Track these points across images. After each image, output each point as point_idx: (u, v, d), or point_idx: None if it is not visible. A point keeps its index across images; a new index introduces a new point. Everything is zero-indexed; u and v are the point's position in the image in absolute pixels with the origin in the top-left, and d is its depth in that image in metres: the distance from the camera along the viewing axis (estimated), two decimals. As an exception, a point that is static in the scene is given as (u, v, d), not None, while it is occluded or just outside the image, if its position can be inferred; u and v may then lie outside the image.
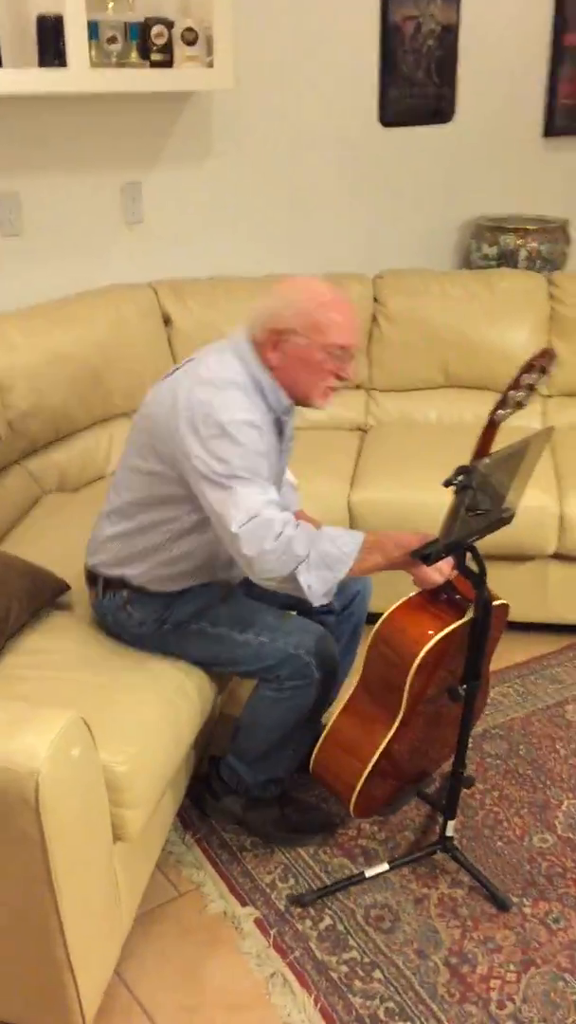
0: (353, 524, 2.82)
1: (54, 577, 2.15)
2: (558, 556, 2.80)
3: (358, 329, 1.89)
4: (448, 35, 3.69)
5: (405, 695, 1.84)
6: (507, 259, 3.75)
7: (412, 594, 1.94)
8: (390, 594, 2.73)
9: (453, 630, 1.85)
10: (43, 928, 1.55)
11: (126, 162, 3.13)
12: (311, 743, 2.12)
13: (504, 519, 1.82)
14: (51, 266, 3.05)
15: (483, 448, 1.84)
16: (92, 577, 2.08)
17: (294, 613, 2.08)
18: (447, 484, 1.67)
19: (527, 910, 2.01)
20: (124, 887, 1.80)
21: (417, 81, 3.69)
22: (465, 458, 2.89)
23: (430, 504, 2.74)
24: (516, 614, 2.85)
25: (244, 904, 2.04)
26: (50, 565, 2.19)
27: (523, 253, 3.73)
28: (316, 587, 1.79)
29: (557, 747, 2.49)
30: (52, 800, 1.45)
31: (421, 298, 3.31)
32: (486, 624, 1.83)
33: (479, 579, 1.79)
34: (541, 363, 1.75)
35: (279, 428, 1.97)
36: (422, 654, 1.81)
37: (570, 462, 2.95)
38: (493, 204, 4.07)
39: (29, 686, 1.88)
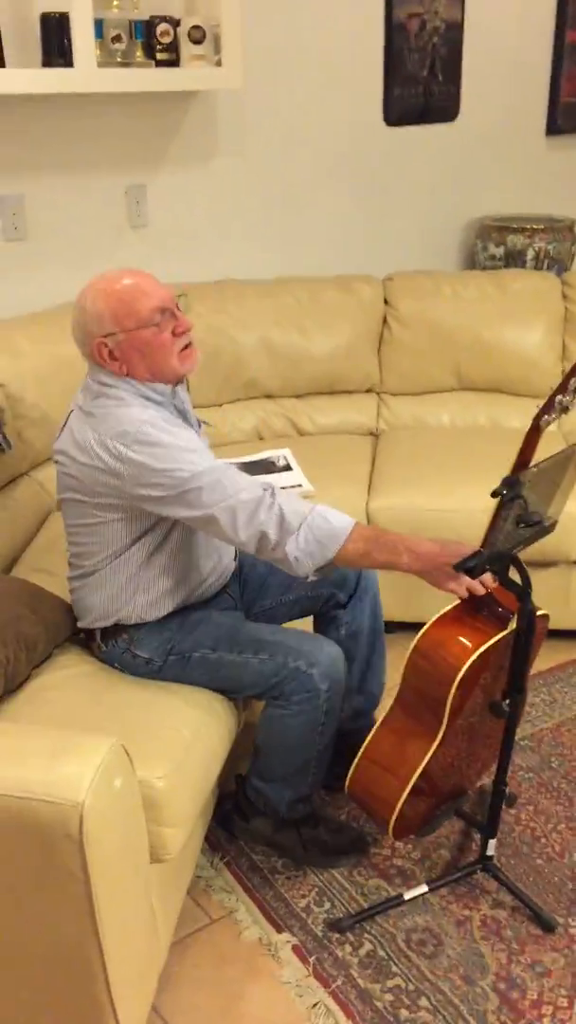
0: (373, 532, 2.75)
1: (70, 607, 2.08)
2: (583, 562, 2.74)
3: (158, 284, 1.83)
4: (452, 33, 3.64)
5: (447, 711, 1.78)
6: (514, 259, 3.70)
7: (450, 606, 1.87)
8: (406, 602, 2.67)
9: (495, 643, 1.78)
10: (85, 969, 1.47)
11: (130, 164, 3.06)
12: (338, 759, 2.06)
13: (546, 529, 1.75)
14: (56, 270, 2.97)
15: (527, 454, 1.78)
16: (89, 633, 2.04)
17: (298, 629, 2.02)
18: (495, 495, 1.60)
19: (574, 931, 1.94)
20: (160, 915, 1.72)
21: (421, 79, 3.63)
22: (482, 462, 2.85)
23: (450, 510, 2.70)
24: (555, 622, 2.81)
25: (280, 930, 1.96)
26: (66, 594, 2.12)
27: (530, 253, 3.68)
28: (304, 560, 1.76)
29: (589, 758, 2.43)
30: (96, 833, 1.38)
31: (432, 300, 3.25)
32: (530, 637, 1.76)
33: (524, 591, 1.73)
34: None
35: (180, 415, 1.92)
36: (464, 669, 1.74)
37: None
38: (497, 203, 4.03)
39: (56, 709, 1.80)
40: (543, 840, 2.17)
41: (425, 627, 1.83)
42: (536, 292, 3.26)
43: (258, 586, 2.17)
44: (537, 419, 1.76)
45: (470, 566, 1.67)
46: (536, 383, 3.26)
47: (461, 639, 1.79)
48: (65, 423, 1.90)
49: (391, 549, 1.78)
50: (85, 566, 1.96)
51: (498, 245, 3.71)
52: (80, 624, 2.04)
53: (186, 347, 1.87)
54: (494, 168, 3.99)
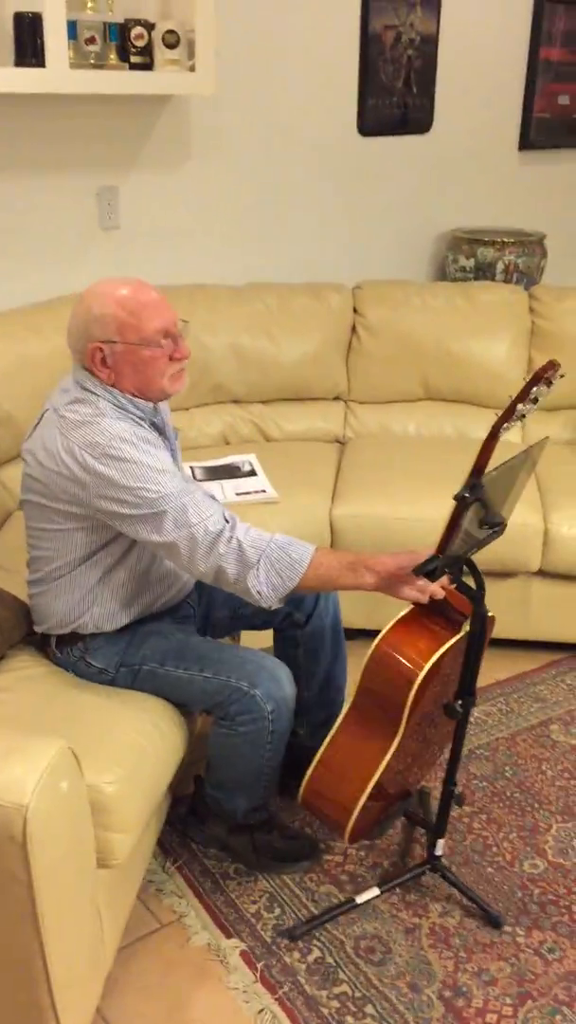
0: (335, 539, 2.76)
1: (26, 609, 2.07)
2: (542, 573, 2.77)
3: (167, 306, 1.83)
4: (427, 45, 3.66)
5: (405, 715, 1.79)
6: (484, 271, 3.73)
7: (405, 611, 1.88)
8: (368, 610, 2.67)
9: (451, 647, 1.80)
10: (26, 973, 1.47)
11: (103, 166, 3.05)
12: (298, 772, 2.06)
13: (498, 531, 1.76)
14: (25, 270, 2.96)
15: (483, 461, 1.80)
16: (44, 637, 2.03)
17: (248, 647, 2.02)
18: (457, 498, 1.62)
19: (521, 939, 1.96)
20: (107, 920, 1.72)
21: (396, 91, 3.65)
22: (447, 472, 2.86)
23: (413, 518, 2.72)
24: (498, 631, 2.83)
25: (229, 936, 1.96)
26: (23, 592, 2.11)
27: (500, 266, 3.71)
28: (265, 592, 1.77)
29: (543, 768, 2.45)
30: (40, 836, 1.37)
31: (401, 310, 3.27)
32: (483, 639, 1.78)
33: (478, 594, 1.75)
34: (548, 375, 1.72)
35: (158, 431, 1.92)
36: (423, 673, 1.76)
37: (553, 478, 2.93)
38: (468, 216, 4.05)
39: (7, 711, 1.79)
40: (494, 848, 2.19)
41: (381, 633, 1.84)
42: (504, 305, 3.29)
43: (218, 596, 2.16)
44: (497, 427, 1.78)
45: (430, 569, 1.68)
46: (502, 395, 3.26)
47: (418, 643, 1.81)
48: (37, 423, 1.88)
49: (352, 570, 1.80)
50: (43, 572, 1.94)
51: (468, 257, 3.74)
52: (37, 629, 2.03)
53: (179, 371, 1.87)
54: (466, 181, 4.01)
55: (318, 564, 1.79)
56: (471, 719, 2.61)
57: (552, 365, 1.70)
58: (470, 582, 1.78)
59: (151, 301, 1.80)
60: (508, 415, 1.72)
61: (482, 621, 1.75)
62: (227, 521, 1.78)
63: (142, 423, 1.85)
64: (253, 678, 1.87)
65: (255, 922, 1.99)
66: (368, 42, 3.50)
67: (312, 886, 2.08)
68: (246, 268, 3.46)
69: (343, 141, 3.60)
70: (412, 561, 1.75)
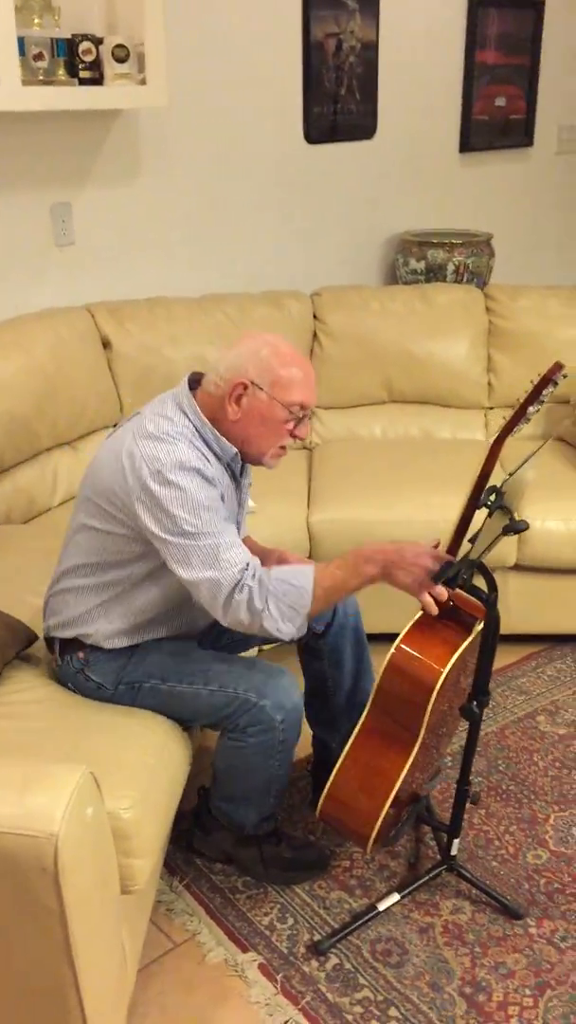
0: (314, 545, 2.77)
1: (24, 627, 2.04)
2: (517, 567, 2.81)
3: (314, 388, 1.89)
4: (368, 52, 3.70)
5: (425, 720, 1.80)
6: (435, 273, 3.78)
7: (417, 615, 1.89)
8: (388, 614, 2.69)
9: (465, 648, 1.82)
10: (60, 1004, 1.45)
11: (54, 182, 3.02)
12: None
13: (519, 530, 1.77)
14: (-19, 291, 2.92)
15: (489, 467, 1.83)
16: (49, 642, 2.01)
17: (253, 658, 2.01)
18: (481, 506, 1.66)
19: (533, 930, 1.98)
20: (128, 944, 1.70)
21: (340, 98, 3.69)
22: (418, 473, 2.90)
23: (390, 521, 2.75)
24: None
25: (245, 950, 1.95)
26: (11, 609, 2.08)
27: (451, 267, 3.76)
28: (287, 631, 1.78)
29: (535, 759, 2.48)
30: (71, 865, 1.35)
31: (360, 314, 3.30)
32: (495, 641, 1.81)
33: (491, 597, 1.77)
34: (555, 377, 1.76)
35: (232, 475, 1.93)
36: (443, 676, 1.77)
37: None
38: (414, 219, 4.10)
39: (15, 738, 1.76)
40: (496, 843, 2.22)
41: (397, 639, 1.84)
42: (461, 305, 3.34)
43: None
44: (506, 432, 1.80)
45: (451, 576, 1.70)
46: (464, 394, 3.33)
47: (435, 647, 1.81)
48: (124, 423, 1.90)
49: (353, 568, 1.81)
50: (70, 568, 1.93)
51: (419, 260, 3.79)
52: (45, 622, 2.00)
53: (283, 447, 1.89)
54: (411, 184, 4.07)
55: (320, 579, 1.80)
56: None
57: (558, 367, 1.73)
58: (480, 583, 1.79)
59: (307, 376, 1.85)
60: (518, 419, 1.75)
61: (495, 623, 1.77)
62: (246, 569, 1.76)
63: (218, 463, 1.86)
64: (261, 688, 1.86)
65: (269, 934, 1.99)
66: (311, 50, 3.53)
67: (322, 894, 2.09)
68: (202, 280, 3.45)
69: (291, 149, 3.62)
70: (414, 548, 1.79)
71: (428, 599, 1.77)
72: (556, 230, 4.72)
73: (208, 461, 1.82)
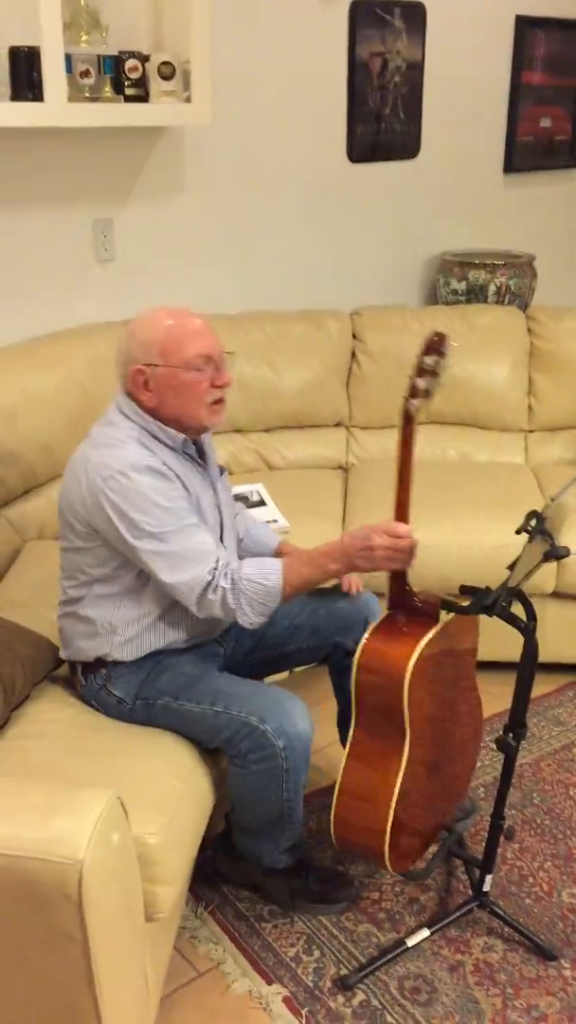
0: (348, 568, 2.73)
1: (53, 646, 2.02)
2: (556, 595, 2.75)
3: (211, 333, 1.87)
4: (413, 72, 3.68)
5: (405, 716, 1.77)
6: (476, 294, 3.74)
7: (375, 622, 1.89)
8: None
9: (433, 639, 1.81)
10: (81, 1033, 1.41)
11: (97, 198, 3.03)
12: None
13: (561, 556, 1.73)
14: (21, 304, 2.92)
15: (406, 449, 1.82)
16: (71, 665, 2.02)
17: (264, 683, 2.00)
18: (521, 531, 1.62)
19: (567, 972, 1.92)
20: (151, 972, 1.66)
21: (384, 117, 3.67)
22: (454, 497, 2.86)
23: (425, 544, 2.68)
24: (513, 653, 2.80)
25: (270, 982, 1.91)
26: (43, 627, 2.07)
27: (492, 288, 3.71)
28: (256, 620, 1.84)
29: (571, 793, 2.42)
30: (95, 892, 1.32)
31: (400, 334, 3.26)
32: (533, 670, 1.77)
33: (530, 626, 1.73)
34: (438, 346, 1.76)
35: (192, 460, 1.93)
36: (411, 667, 1.75)
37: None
38: (456, 239, 4.07)
39: (42, 759, 1.74)
40: (531, 879, 2.15)
41: (360, 644, 1.84)
42: (502, 327, 3.30)
43: (250, 635, 2.12)
44: (407, 403, 1.80)
45: (488, 603, 1.67)
46: (504, 417, 3.29)
47: (399, 643, 1.81)
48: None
49: (317, 567, 1.85)
50: (70, 594, 1.95)
51: (460, 280, 3.75)
52: (63, 654, 2.00)
53: (217, 401, 1.88)
54: (453, 204, 4.03)
55: (289, 578, 1.83)
56: (493, 747, 2.59)
57: (440, 336, 1.76)
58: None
59: (194, 327, 1.84)
60: (413, 392, 1.78)
61: (534, 653, 1.73)
62: (216, 568, 1.81)
63: (174, 454, 1.87)
64: (263, 712, 1.82)
65: (295, 966, 1.94)
66: (355, 70, 3.52)
67: (350, 926, 2.04)
68: (240, 297, 3.44)
69: (333, 168, 3.60)
70: (362, 534, 1.81)
71: (382, 552, 1.78)
72: (600, 252, 4.66)
73: (161, 455, 1.84)
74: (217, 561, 1.80)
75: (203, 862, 2.12)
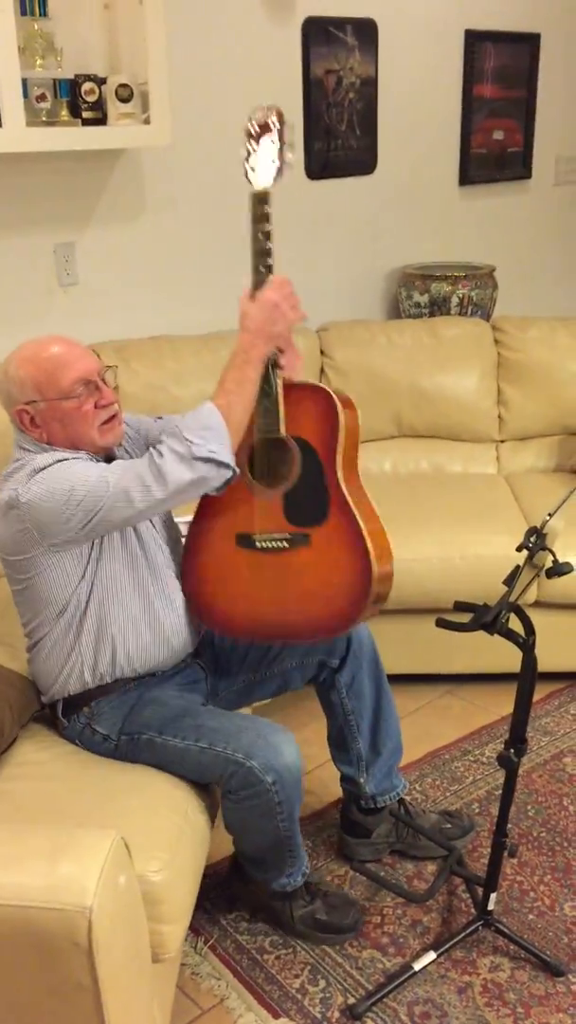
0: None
1: (36, 686, 1.97)
2: (538, 604, 2.75)
3: (85, 354, 1.82)
4: (367, 88, 3.70)
5: None
6: (439, 306, 3.75)
7: None
8: (409, 654, 2.65)
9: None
10: None
11: (57, 223, 2.99)
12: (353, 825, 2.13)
13: (564, 572, 1.72)
14: (-15, 333, 2.87)
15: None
16: (52, 707, 1.97)
17: (250, 715, 1.95)
18: (522, 548, 1.60)
19: (576, 987, 1.90)
20: (157, 1014, 1.61)
21: (340, 134, 3.67)
22: (431, 509, 2.85)
23: (407, 559, 2.68)
24: (497, 665, 2.80)
25: (276, 1015, 1.87)
26: (24, 668, 2.02)
27: (455, 300, 3.73)
28: (220, 450, 1.75)
29: (565, 804, 2.41)
30: (105, 939, 1.28)
31: (368, 348, 3.26)
32: (533, 685, 1.75)
33: (530, 641, 1.71)
34: (269, 119, 1.74)
35: None
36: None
37: (537, 508, 2.92)
38: (415, 253, 4.08)
39: (37, 802, 1.68)
40: (532, 894, 2.13)
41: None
42: (469, 338, 3.30)
43: (234, 660, 2.09)
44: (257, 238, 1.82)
45: (488, 620, 1.65)
46: (474, 427, 3.29)
47: None
48: None
49: (240, 361, 1.81)
50: (32, 633, 1.91)
51: (422, 293, 3.76)
52: (44, 699, 1.96)
53: (109, 420, 1.83)
54: (412, 218, 4.05)
55: (220, 393, 1.79)
56: (484, 760, 2.58)
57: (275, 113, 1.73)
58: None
59: (63, 353, 1.79)
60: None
61: (533, 668, 1.72)
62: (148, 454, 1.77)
63: None
64: (249, 749, 1.77)
65: (301, 997, 1.90)
66: (311, 87, 3.52)
67: (354, 952, 2.00)
68: (205, 317, 3.40)
69: (292, 185, 3.59)
70: (260, 299, 1.83)
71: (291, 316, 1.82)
72: (557, 261, 4.70)
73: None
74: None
75: (202, 895, 2.07)
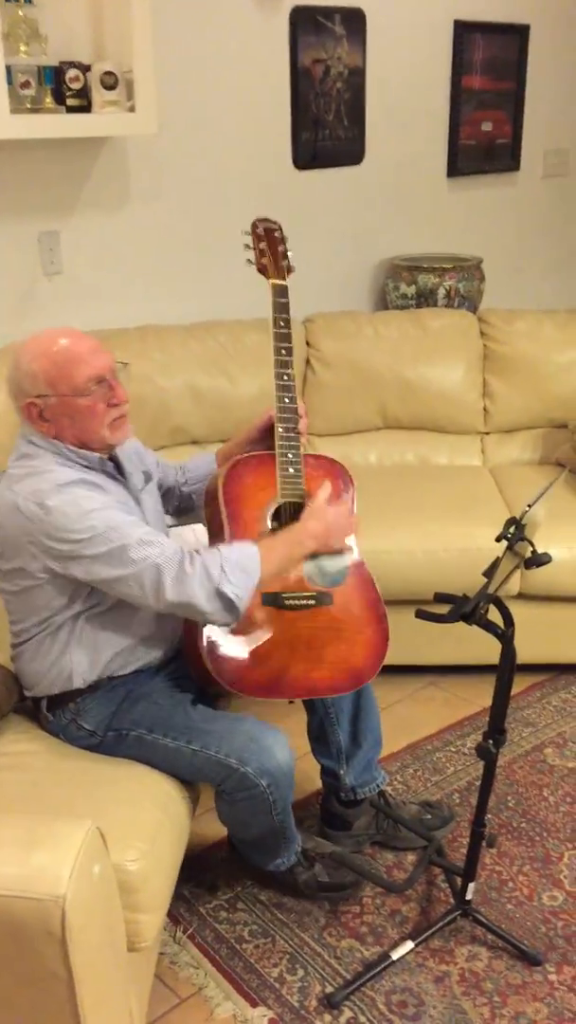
0: (313, 577, 2.71)
1: (16, 678, 1.97)
2: (522, 596, 2.76)
3: (100, 351, 1.80)
4: (355, 78, 3.68)
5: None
6: (426, 298, 3.75)
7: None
8: (395, 645, 2.65)
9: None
10: (68, 1075, 1.36)
11: (42, 211, 2.97)
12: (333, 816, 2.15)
13: (543, 563, 1.72)
14: (-32, 322, 2.86)
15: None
16: (35, 702, 1.95)
17: (240, 716, 1.92)
18: (501, 539, 1.61)
19: (553, 976, 1.91)
20: (134, 1002, 1.62)
21: (327, 124, 3.66)
22: (417, 501, 2.85)
23: (394, 551, 2.69)
24: (480, 657, 2.81)
25: (254, 1004, 1.87)
26: (4, 661, 2.02)
27: (442, 291, 3.73)
28: (243, 598, 1.74)
29: (545, 794, 2.42)
30: (79, 928, 1.28)
31: (354, 340, 3.25)
32: (512, 676, 1.76)
33: (509, 633, 1.72)
34: (258, 230, 2.05)
35: (112, 478, 1.88)
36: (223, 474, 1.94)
37: (521, 500, 2.92)
38: (403, 244, 4.07)
39: (15, 792, 1.69)
40: (510, 884, 2.15)
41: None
42: (455, 330, 3.30)
43: None
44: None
45: (467, 611, 1.66)
46: (460, 419, 3.29)
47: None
48: None
49: (299, 546, 1.87)
50: (20, 634, 1.89)
51: (409, 284, 3.75)
52: (27, 693, 1.94)
53: (118, 418, 1.82)
54: (399, 209, 4.04)
55: (264, 549, 1.79)
56: (465, 751, 2.59)
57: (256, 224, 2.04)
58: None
59: (80, 349, 1.76)
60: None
61: (512, 659, 1.72)
62: (182, 549, 1.74)
63: (90, 471, 1.82)
64: (242, 753, 1.78)
65: (279, 987, 1.91)
66: (298, 77, 3.50)
67: (333, 942, 2.01)
68: (191, 307, 3.40)
69: (279, 175, 3.58)
70: (326, 509, 1.92)
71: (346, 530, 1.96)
72: (544, 254, 4.70)
73: (80, 473, 1.78)
74: (180, 546, 1.73)
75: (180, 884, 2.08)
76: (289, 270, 2.07)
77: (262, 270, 2.05)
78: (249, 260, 2.06)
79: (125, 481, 1.92)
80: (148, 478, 2.01)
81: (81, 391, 1.75)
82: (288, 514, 1.97)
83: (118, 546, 1.69)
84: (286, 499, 1.96)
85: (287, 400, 1.99)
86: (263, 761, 1.78)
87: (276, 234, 2.07)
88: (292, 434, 1.97)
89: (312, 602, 1.95)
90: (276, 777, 1.80)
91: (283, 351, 2.02)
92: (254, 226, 2.06)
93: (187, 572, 1.69)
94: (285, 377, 2.01)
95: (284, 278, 2.04)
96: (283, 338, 2.03)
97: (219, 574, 1.70)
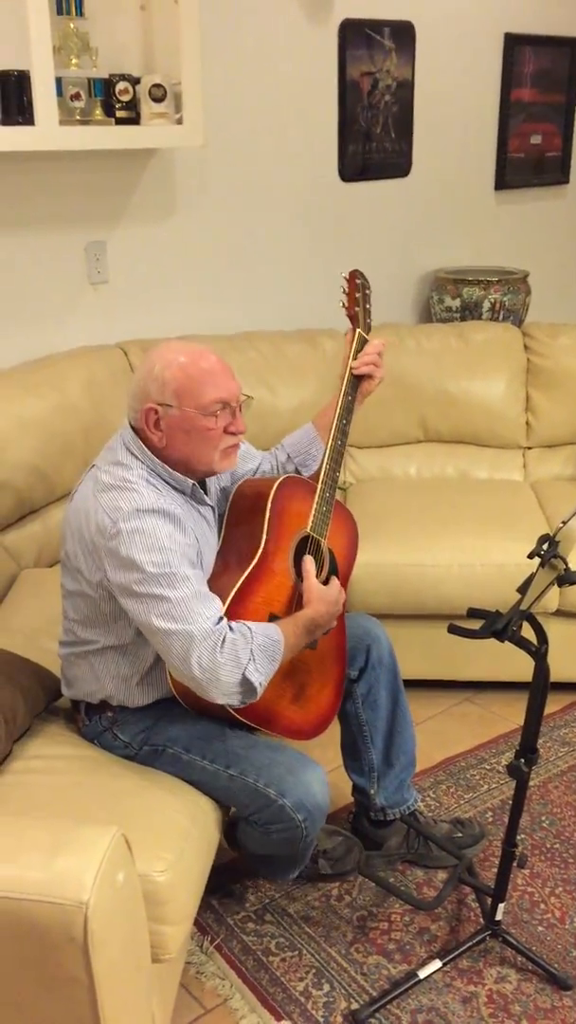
0: (350, 589, 2.69)
1: (53, 676, 1.98)
2: (560, 613, 2.72)
3: (231, 377, 1.79)
4: (403, 91, 3.68)
5: (265, 524, 1.86)
6: (470, 311, 3.73)
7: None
8: (428, 660, 2.64)
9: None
10: None
11: (89, 221, 3.01)
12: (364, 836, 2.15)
13: (575, 581, 1.70)
14: (14, 330, 2.90)
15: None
16: (74, 703, 1.96)
17: (281, 744, 1.89)
18: (533, 555, 1.59)
19: (583, 1002, 1.88)
20: (157, 1012, 1.62)
21: (375, 136, 3.66)
22: (455, 515, 2.83)
23: (428, 564, 2.68)
24: (517, 673, 2.78)
25: (279, 1018, 1.86)
26: (42, 657, 2.03)
27: (486, 304, 3.71)
28: (263, 685, 1.71)
29: (580, 816, 2.38)
30: (101, 934, 1.28)
31: (395, 352, 3.24)
32: (545, 694, 1.74)
33: (542, 650, 1.70)
34: (357, 281, 2.11)
35: (196, 508, 1.87)
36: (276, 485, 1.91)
37: (562, 515, 2.89)
38: (449, 257, 4.06)
39: (44, 795, 1.69)
40: (542, 905, 2.11)
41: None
42: (498, 343, 3.28)
43: None
44: (355, 332, 2.08)
45: (499, 628, 1.64)
46: (501, 433, 3.27)
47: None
48: (82, 480, 1.83)
49: (308, 633, 1.83)
50: (77, 637, 1.87)
51: (454, 297, 3.74)
52: (66, 693, 1.95)
53: (231, 446, 1.81)
54: (445, 222, 4.03)
55: (285, 636, 1.76)
56: (500, 768, 2.56)
57: (353, 274, 2.12)
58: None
59: (214, 370, 1.75)
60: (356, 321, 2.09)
61: (545, 676, 1.70)
62: (220, 619, 1.70)
63: (180, 496, 1.81)
64: (281, 785, 1.76)
65: (304, 1001, 1.90)
66: (346, 89, 3.51)
67: (360, 958, 1.99)
68: (234, 317, 3.42)
69: (325, 187, 3.59)
70: (328, 607, 1.86)
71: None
72: (593, 268, 4.66)
73: (168, 496, 1.77)
74: (221, 615, 1.70)
75: (208, 894, 2.08)
76: (369, 328, 2.12)
77: (352, 317, 2.10)
78: (342, 303, 2.12)
79: (210, 507, 1.92)
80: (214, 511, 1.99)
81: (206, 410, 1.73)
82: (306, 547, 1.95)
83: (161, 595, 1.65)
84: (312, 533, 1.94)
85: (339, 443, 2.00)
86: (301, 796, 1.76)
87: (368, 292, 2.14)
88: (336, 475, 1.98)
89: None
90: (312, 813, 1.78)
91: (349, 397, 2.04)
92: (353, 275, 2.13)
93: (217, 660, 1.65)
94: (344, 421, 2.01)
95: (367, 332, 2.09)
96: (353, 387, 2.06)
97: (248, 659, 1.67)
